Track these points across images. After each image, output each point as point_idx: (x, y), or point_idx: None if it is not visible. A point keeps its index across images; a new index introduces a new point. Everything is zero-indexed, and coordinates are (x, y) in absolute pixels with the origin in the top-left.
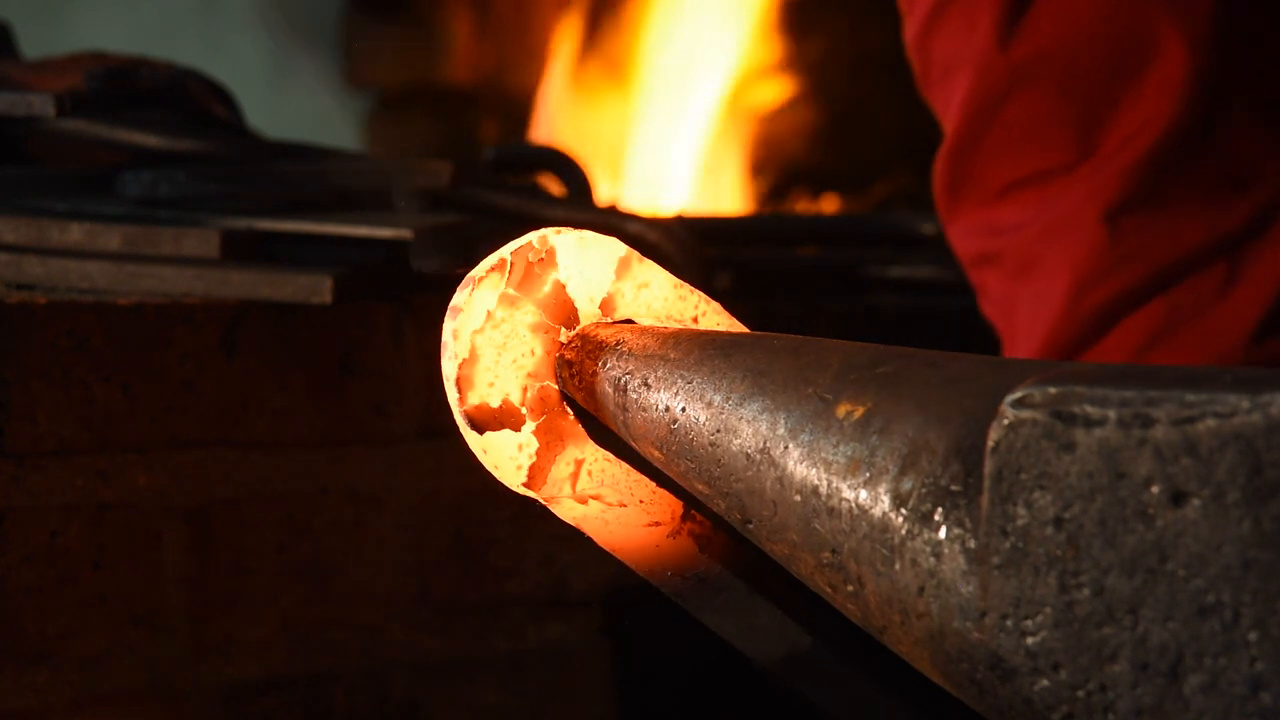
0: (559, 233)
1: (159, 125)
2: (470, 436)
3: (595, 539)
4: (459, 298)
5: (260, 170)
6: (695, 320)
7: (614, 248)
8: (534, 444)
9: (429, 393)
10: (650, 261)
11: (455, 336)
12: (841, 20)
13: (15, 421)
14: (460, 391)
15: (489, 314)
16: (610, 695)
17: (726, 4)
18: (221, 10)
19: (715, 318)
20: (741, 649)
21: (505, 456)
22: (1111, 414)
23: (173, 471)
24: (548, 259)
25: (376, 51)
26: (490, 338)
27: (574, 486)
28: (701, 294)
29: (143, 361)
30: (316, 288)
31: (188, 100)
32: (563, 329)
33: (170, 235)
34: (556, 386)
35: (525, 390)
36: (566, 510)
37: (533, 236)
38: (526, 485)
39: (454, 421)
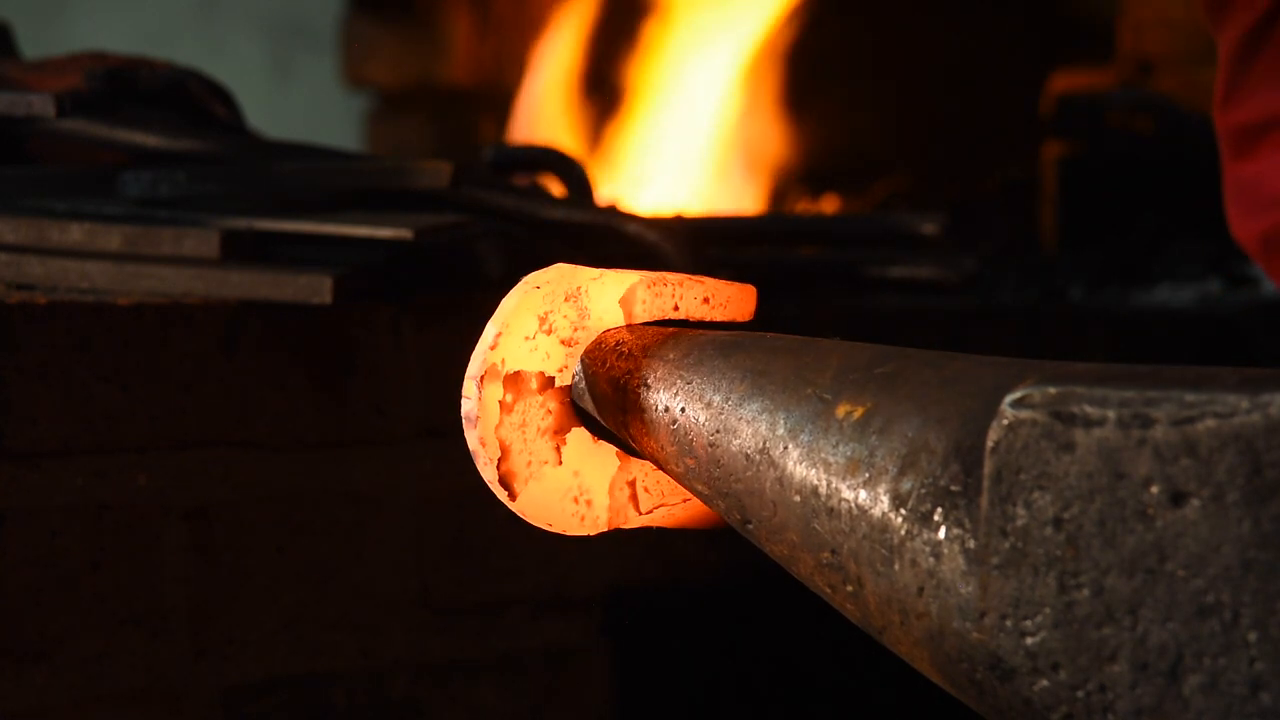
0: (522, 293)
1: (159, 125)
2: (534, 520)
3: (665, 526)
4: (469, 405)
5: (260, 170)
6: (675, 309)
7: (567, 278)
8: (586, 490)
9: (429, 393)
10: (602, 271)
11: (483, 443)
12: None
13: (15, 421)
14: (508, 488)
15: (502, 404)
16: (610, 695)
17: (727, 4)
18: (221, 10)
19: (692, 293)
20: None
21: (566, 515)
22: (1111, 414)
23: (173, 471)
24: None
25: (376, 51)
26: (511, 424)
27: (638, 508)
28: (674, 276)
29: (143, 362)
30: (316, 288)
31: (188, 100)
32: (559, 373)
33: (170, 235)
34: (581, 427)
35: (558, 448)
36: (636, 522)
37: (499, 316)
38: (595, 528)
39: (454, 421)
